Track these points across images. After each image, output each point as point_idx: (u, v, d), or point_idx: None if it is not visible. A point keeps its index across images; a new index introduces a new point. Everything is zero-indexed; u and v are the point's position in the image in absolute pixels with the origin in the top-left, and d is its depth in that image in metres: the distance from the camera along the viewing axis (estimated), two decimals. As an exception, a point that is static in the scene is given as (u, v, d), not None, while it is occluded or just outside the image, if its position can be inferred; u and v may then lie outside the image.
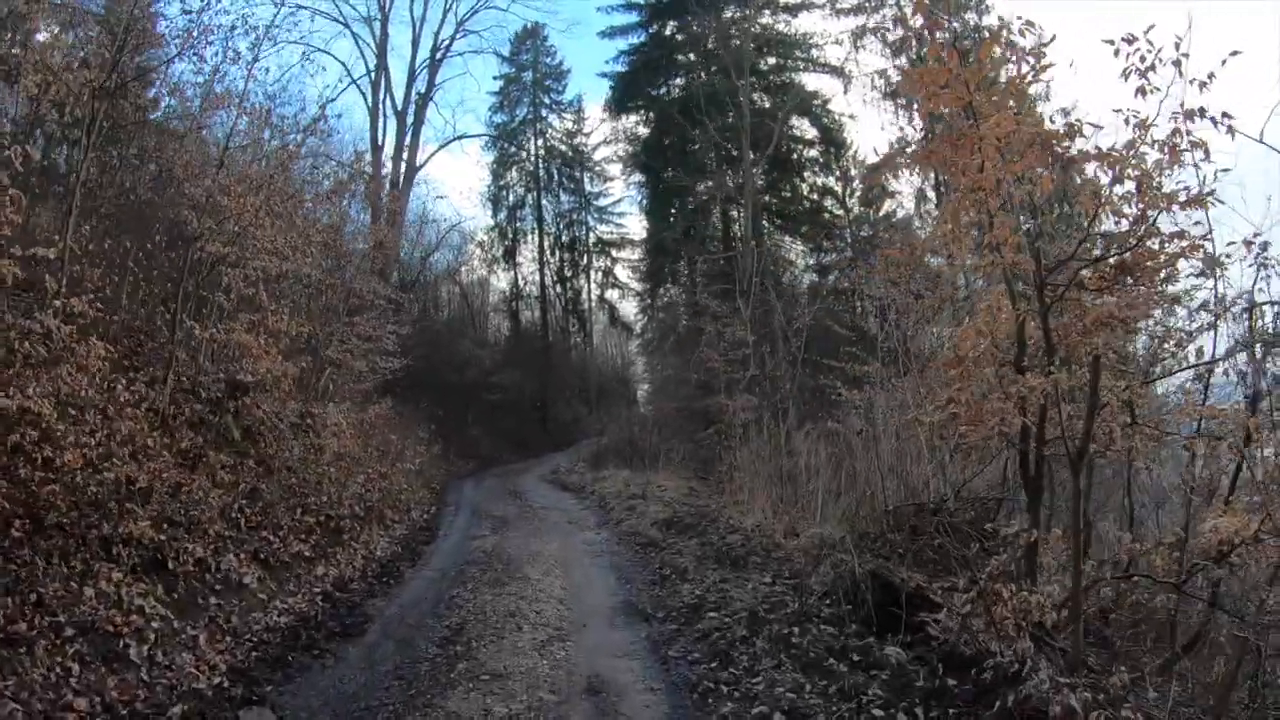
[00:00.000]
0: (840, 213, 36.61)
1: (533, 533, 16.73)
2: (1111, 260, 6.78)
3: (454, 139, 40.89)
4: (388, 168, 36.83)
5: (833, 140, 36.37)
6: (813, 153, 37.41)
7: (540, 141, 48.18)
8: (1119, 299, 7.00)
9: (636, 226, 47.81)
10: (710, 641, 8.72)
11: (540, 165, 48.12)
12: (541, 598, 11.09)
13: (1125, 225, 6.56)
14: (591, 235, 49.32)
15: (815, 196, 37.09)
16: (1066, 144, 6.52)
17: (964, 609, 7.11)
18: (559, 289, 48.40)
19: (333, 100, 36.26)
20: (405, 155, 37.20)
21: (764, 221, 35.78)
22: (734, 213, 37.14)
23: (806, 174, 37.54)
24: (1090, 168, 6.70)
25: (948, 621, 7.27)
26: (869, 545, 10.10)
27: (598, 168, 48.83)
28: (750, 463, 16.60)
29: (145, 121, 14.57)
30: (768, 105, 35.32)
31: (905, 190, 33.65)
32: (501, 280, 47.93)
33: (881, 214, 35.32)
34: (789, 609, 9.14)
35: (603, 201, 49.07)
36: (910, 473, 11.19)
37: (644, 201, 41.67)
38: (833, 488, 13.12)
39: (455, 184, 69.63)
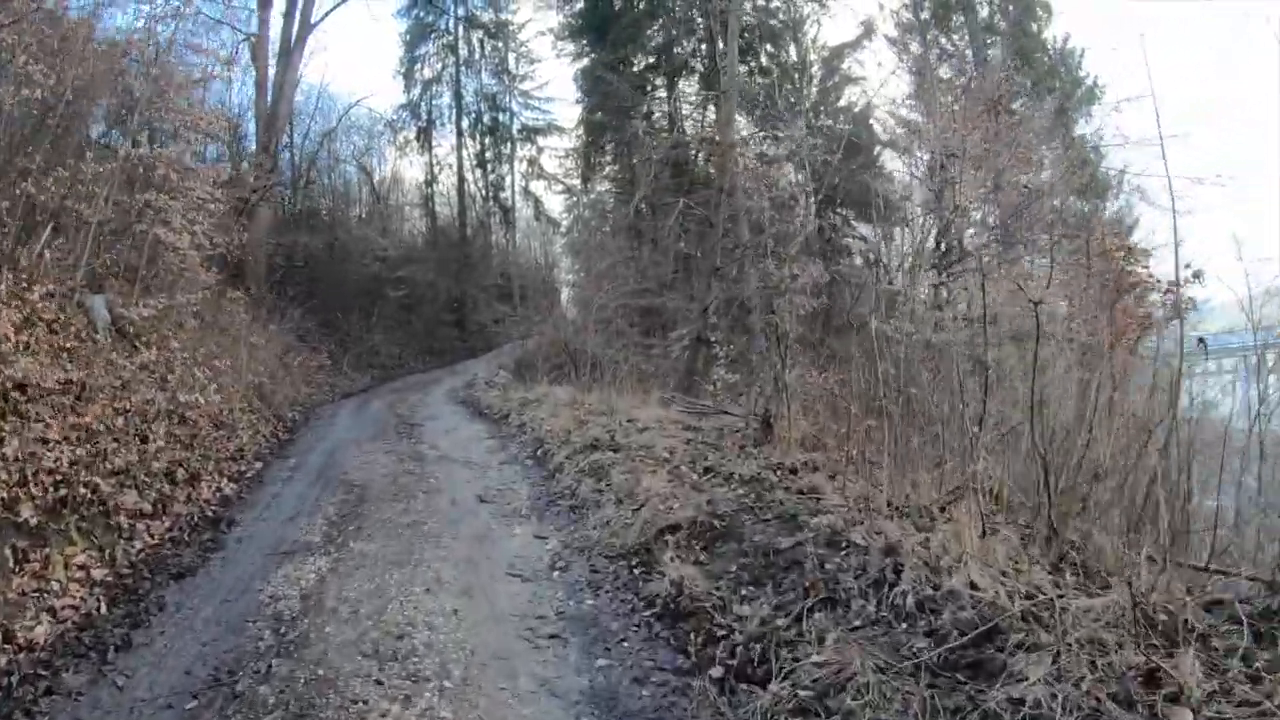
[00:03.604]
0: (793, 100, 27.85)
1: (407, 539, 7.32)
2: None
3: (357, -9, 29.59)
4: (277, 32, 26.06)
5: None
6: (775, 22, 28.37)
7: (461, 10, 37.55)
8: None
9: (565, 113, 38.01)
10: None
11: (460, 36, 37.66)
12: None
13: None
14: (516, 122, 39.04)
15: (775, 76, 27.77)
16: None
17: None
18: (479, 174, 38.23)
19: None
20: (299, 8, 26.18)
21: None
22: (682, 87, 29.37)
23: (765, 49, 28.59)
24: None
25: None
26: None
27: (524, 48, 38.40)
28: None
29: None
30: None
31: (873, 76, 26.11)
32: (415, 167, 37.65)
33: (841, 103, 28.40)
34: None
35: (528, 85, 38.61)
36: None
37: (578, 74, 32.05)
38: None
39: (367, 66, 56.89)
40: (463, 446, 11.72)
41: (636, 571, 6.14)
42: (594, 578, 6.18)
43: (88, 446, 8.08)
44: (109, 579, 6.67)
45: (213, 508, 8.76)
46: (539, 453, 10.76)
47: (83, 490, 7.42)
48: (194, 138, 14.25)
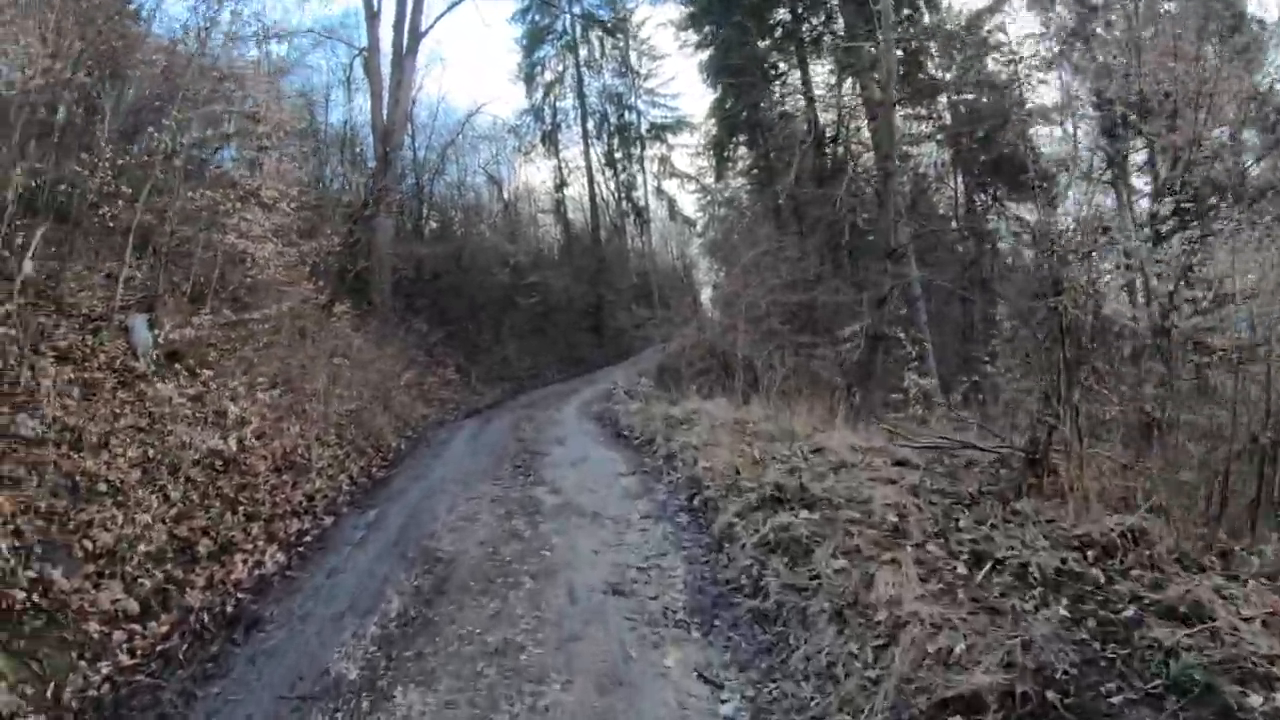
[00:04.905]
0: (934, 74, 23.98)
1: (489, 685, 4.34)
2: None
3: (467, -4, 27.27)
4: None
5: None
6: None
7: (578, 8, 34.96)
8: None
9: (692, 107, 35.06)
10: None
11: (579, 36, 34.98)
12: None
13: None
14: (643, 121, 36.19)
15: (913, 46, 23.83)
16: None
17: None
18: (609, 175, 35.59)
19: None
20: (409, 18, 24.07)
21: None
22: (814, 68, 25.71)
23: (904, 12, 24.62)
24: None
25: None
26: None
27: (645, 45, 35.62)
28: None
29: None
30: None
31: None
32: (543, 172, 35.59)
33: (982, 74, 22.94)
34: None
35: (653, 82, 35.77)
36: None
37: (702, 65, 28.52)
38: None
39: (484, 74, 54.41)
40: (593, 488, 8.64)
41: None
42: None
43: (55, 521, 5.49)
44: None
45: (240, 595, 6.01)
46: (696, 502, 7.54)
47: (20, 592, 4.80)
48: (260, 133, 11.79)
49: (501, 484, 9.03)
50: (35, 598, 4.87)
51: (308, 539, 7.34)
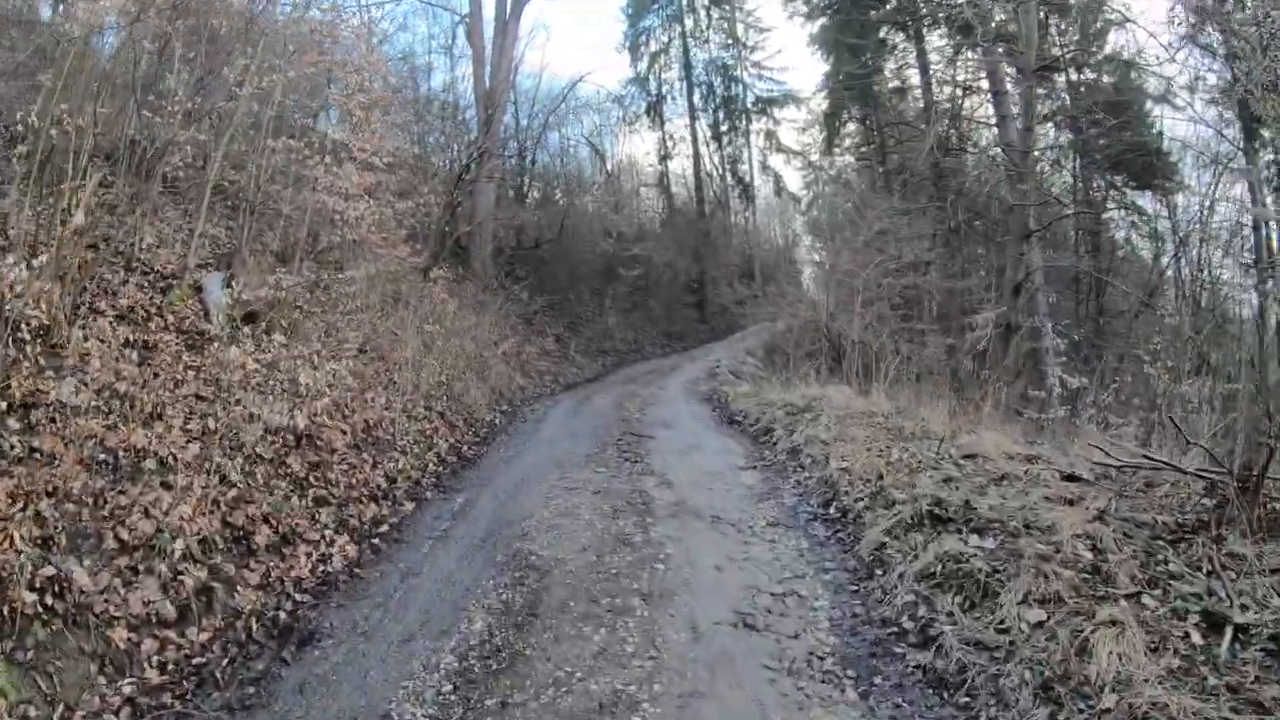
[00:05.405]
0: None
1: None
2: None
3: (571, -43, 26.36)
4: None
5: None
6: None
7: (683, -25, 33.91)
8: None
9: (799, 81, 33.54)
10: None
11: (685, 6, 33.60)
12: None
13: None
14: (749, 94, 34.70)
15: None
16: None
17: None
18: (714, 148, 34.18)
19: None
20: None
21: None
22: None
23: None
24: None
25: None
26: None
27: (751, 17, 33.96)
28: None
29: None
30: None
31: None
32: (647, 143, 34.60)
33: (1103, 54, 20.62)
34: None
35: (759, 55, 34.05)
36: None
37: (812, 37, 26.74)
38: None
39: (589, 44, 52.31)
40: (709, 482, 7.52)
41: None
42: None
43: (88, 505, 4.65)
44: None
45: (298, 597, 5.10)
46: (832, 510, 6.37)
47: (30, 594, 3.95)
48: (356, 85, 10.99)
49: (606, 471, 7.97)
50: (49, 599, 4.02)
51: (384, 529, 6.42)
